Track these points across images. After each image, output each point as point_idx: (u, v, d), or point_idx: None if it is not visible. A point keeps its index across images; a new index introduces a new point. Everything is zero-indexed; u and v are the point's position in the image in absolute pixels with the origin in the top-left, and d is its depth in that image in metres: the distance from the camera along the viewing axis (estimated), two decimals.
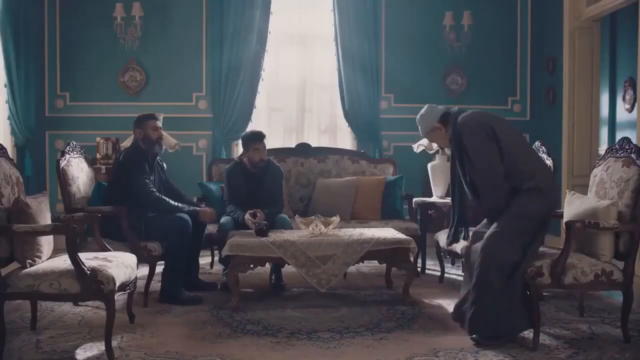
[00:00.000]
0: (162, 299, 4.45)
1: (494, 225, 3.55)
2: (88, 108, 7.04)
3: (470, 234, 3.88)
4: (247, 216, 4.75)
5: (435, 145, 5.89)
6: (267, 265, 4.75)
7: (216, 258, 5.61)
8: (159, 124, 4.75)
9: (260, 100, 7.11)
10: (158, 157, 4.82)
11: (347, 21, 6.99)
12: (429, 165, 5.99)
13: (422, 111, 3.86)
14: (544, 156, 4.75)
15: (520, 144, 3.64)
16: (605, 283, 3.53)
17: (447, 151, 5.92)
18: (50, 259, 3.55)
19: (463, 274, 3.79)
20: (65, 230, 3.28)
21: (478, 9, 7.20)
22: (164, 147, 4.89)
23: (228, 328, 3.84)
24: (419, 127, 3.86)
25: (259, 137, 5.01)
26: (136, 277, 3.82)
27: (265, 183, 5.04)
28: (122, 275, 3.45)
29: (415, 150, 6.17)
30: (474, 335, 3.56)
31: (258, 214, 4.74)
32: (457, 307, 3.77)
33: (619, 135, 6.52)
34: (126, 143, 6.06)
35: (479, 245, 3.57)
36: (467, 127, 3.60)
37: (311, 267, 4.26)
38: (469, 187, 3.69)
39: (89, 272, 3.23)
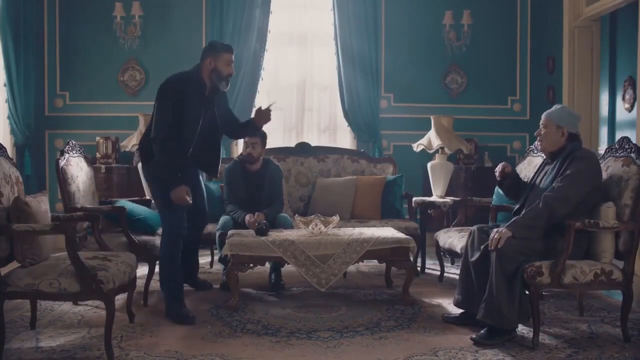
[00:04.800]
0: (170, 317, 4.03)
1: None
2: (88, 107, 7.04)
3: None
4: (247, 218, 4.76)
5: (435, 145, 5.91)
6: (267, 264, 4.76)
7: (216, 257, 5.61)
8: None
9: (260, 100, 7.10)
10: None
11: (347, 20, 6.99)
12: (429, 165, 6.00)
13: (573, 111, 3.89)
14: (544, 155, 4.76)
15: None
16: (605, 282, 3.53)
17: (447, 150, 5.95)
18: (50, 258, 3.55)
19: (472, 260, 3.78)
20: (64, 230, 3.28)
21: (478, 8, 7.19)
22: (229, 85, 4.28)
23: (227, 327, 3.84)
24: (554, 114, 3.73)
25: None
26: (136, 277, 3.81)
27: (264, 182, 5.04)
28: (121, 274, 3.45)
29: (415, 149, 6.18)
30: (473, 336, 3.57)
31: (257, 215, 4.76)
32: (465, 294, 3.81)
33: (618, 135, 6.51)
34: (126, 142, 6.06)
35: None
36: (591, 154, 3.66)
37: (311, 267, 4.26)
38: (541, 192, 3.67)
39: (88, 271, 3.23)
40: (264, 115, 4.45)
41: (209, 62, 4.09)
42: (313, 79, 7.29)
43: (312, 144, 6.31)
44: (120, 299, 3.96)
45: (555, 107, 3.83)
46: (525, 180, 4.12)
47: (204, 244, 5.31)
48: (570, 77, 6.57)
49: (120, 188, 6.54)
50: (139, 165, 5.79)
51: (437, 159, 5.95)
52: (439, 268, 5.26)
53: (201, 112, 4.10)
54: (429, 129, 6.09)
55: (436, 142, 5.91)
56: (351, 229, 4.82)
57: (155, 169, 4.06)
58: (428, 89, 7.25)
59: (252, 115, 4.61)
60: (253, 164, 5.04)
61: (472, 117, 7.21)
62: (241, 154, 5.24)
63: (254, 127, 4.56)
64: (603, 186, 3.67)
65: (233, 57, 4.19)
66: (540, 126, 3.78)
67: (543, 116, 3.79)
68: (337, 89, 7.14)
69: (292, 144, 6.46)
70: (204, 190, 4.73)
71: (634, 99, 6.54)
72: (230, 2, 6.91)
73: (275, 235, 4.41)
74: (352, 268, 5.14)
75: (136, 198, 5.44)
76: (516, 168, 5.14)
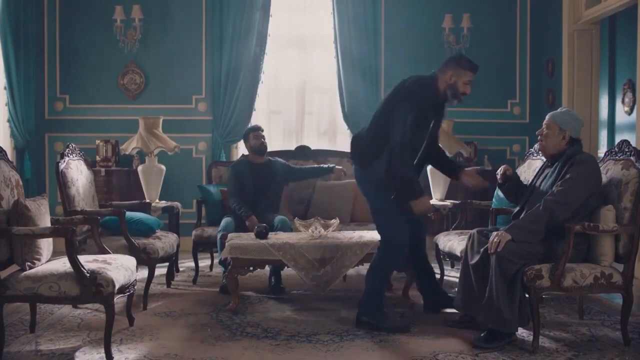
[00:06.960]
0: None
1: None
2: (88, 110, 7.04)
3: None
4: (248, 222, 4.80)
5: None
6: (267, 267, 4.76)
7: (216, 260, 5.61)
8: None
9: (259, 103, 7.10)
10: None
11: (346, 23, 7.00)
12: (429, 168, 5.99)
13: (578, 116, 3.82)
14: (544, 158, 4.76)
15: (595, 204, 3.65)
16: (605, 286, 3.53)
17: (447, 154, 5.93)
18: (49, 262, 3.55)
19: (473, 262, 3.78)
20: (64, 233, 3.28)
21: (477, 11, 7.20)
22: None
23: (227, 331, 3.84)
24: (559, 116, 3.72)
25: (256, 127, 5.41)
26: (135, 280, 3.81)
27: (274, 173, 5.28)
28: (121, 277, 3.45)
29: None
30: (473, 339, 3.57)
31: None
32: (464, 297, 3.80)
33: (618, 138, 6.53)
34: (126, 146, 6.06)
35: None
36: (591, 158, 3.66)
37: (311, 270, 4.26)
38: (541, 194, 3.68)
39: (88, 274, 3.23)
40: (475, 179, 4.19)
41: (449, 76, 3.87)
42: (313, 82, 7.30)
43: (312, 147, 6.32)
44: (120, 302, 3.96)
45: (561, 109, 3.83)
46: (526, 183, 4.13)
47: (204, 247, 5.32)
48: (569, 80, 6.58)
49: (120, 191, 6.55)
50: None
51: None
52: (438, 271, 5.24)
53: (432, 122, 3.96)
54: None
55: None
56: (351, 232, 4.82)
57: (391, 179, 3.84)
58: None
59: (464, 174, 4.23)
60: (264, 154, 5.31)
61: (471, 120, 7.21)
62: (248, 154, 5.41)
63: (454, 173, 4.24)
64: (603, 189, 3.67)
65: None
66: (543, 126, 3.77)
67: (547, 116, 3.78)
68: (337, 92, 7.14)
69: (292, 147, 6.46)
70: None
71: (634, 102, 6.55)
72: (230, 5, 6.92)
73: (275, 238, 4.41)
74: (352, 271, 5.12)
75: (136, 201, 5.45)
76: (516, 171, 5.15)
